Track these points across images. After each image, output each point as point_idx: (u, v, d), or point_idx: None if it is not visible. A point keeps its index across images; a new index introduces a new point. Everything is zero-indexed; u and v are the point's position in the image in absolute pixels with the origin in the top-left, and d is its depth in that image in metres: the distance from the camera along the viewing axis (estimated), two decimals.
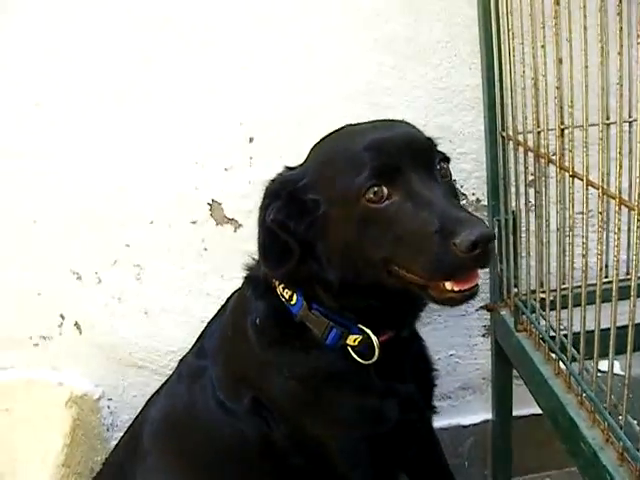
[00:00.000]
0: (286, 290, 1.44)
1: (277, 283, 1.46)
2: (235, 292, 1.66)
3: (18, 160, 1.83)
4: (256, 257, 1.54)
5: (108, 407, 2.11)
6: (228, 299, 1.69)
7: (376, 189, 1.23)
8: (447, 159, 1.36)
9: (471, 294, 1.21)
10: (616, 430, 1.17)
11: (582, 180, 1.24)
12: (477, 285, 1.21)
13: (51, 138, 1.82)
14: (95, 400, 2.06)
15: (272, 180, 1.40)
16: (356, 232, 1.27)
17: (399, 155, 1.26)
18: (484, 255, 1.14)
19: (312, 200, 1.33)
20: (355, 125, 1.41)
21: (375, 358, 1.42)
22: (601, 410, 1.23)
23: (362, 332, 1.41)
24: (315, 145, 1.42)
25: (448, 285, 1.20)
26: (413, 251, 1.20)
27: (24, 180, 1.85)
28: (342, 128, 1.41)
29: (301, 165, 1.42)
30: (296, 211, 1.33)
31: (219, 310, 1.71)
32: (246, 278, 1.59)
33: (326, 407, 1.48)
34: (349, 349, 1.42)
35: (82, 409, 1.96)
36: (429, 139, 1.36)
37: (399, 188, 1.24)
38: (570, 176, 1.29)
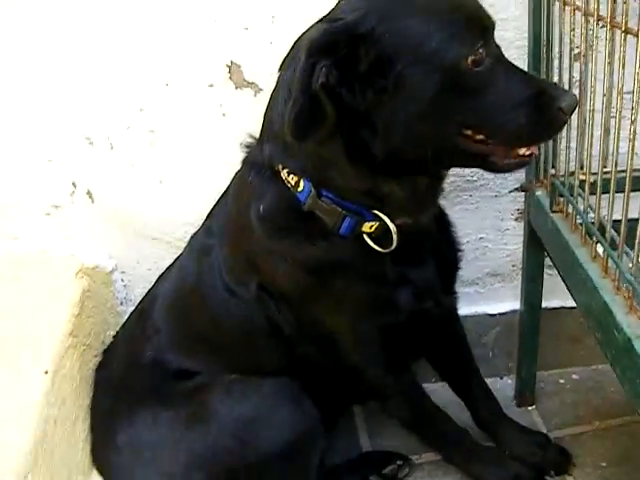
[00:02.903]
0: (292, 176, 1.31)
1: (281, 167, 1.33)
2: (236, 174, 1.55)
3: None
4: (254, 135, 1.44)
5: (122, 280, 2.05)
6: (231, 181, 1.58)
7: (483, 50, 1.14)
8: None
9: (530, 160, 1.26)
10: None
11: (636, 37, 1.07)
12: None
13: None
14: (108, 273, 2.00)
15: (317, 30, 1.14)
16: (445, 96, 1.14)
17: (485, 15, 1.20)
18: None
19: (382, 57, 1.12)
20: None
21: (394, 245, 1.33)
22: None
23: (377, 218, 1.31)
24: None
25: (521, 150, 1.22)
26: (508, 115, 1.17)
27: (34, 36, 1.73)
28: None
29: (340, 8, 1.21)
30: (353, 72, 1.12)
31: (223, 194, 1.61)
32: (245, 161, 1.46)
33: (334, 296, 1.41)
34: (365, 237, 1.33)
35: (94, 281, 1.90)
36: None
37: (490, 50, 1.17)
38: (622, 32, 1.12)
